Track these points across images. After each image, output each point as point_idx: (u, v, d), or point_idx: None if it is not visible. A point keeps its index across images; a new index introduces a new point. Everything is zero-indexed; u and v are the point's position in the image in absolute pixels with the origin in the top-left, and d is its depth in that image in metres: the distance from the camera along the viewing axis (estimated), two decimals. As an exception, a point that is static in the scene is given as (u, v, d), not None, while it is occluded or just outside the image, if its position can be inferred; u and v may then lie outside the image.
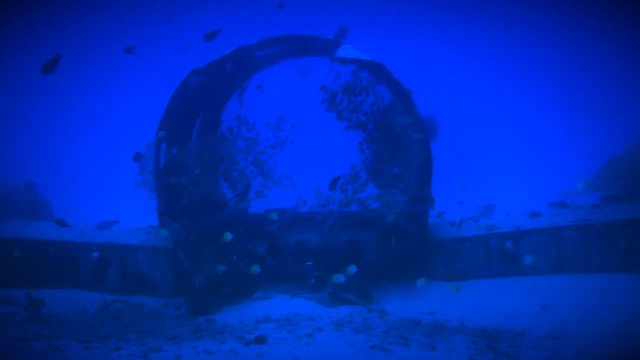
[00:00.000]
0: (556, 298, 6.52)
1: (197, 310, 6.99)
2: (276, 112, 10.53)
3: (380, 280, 7.81)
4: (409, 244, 7.81)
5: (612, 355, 4.35)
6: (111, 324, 6.59)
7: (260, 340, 4.55)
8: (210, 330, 5.81)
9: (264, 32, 8.92)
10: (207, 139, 9.15)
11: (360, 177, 7.99)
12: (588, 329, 5.17)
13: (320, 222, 8.55)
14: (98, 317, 7.23)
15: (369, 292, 7.24)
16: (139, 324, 6.62)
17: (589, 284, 6.90)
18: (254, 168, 9.28)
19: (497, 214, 10.43)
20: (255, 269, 7.32)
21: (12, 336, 5.04)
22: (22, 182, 12.82)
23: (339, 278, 6.73)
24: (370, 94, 7.81)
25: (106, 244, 8.46)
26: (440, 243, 8.12)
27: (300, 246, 8.19)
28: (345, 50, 7.44)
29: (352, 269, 6.99)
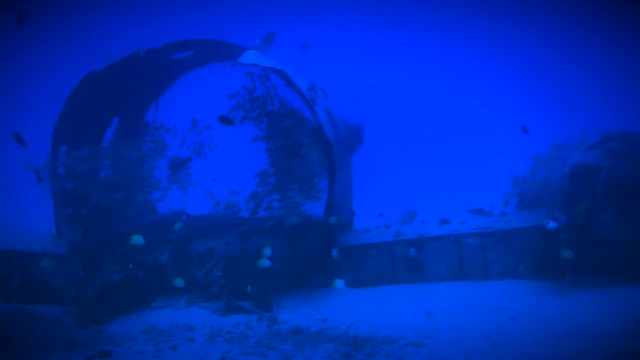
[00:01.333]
0: (445, 305, 6.62)
1: (88, 320, 6.83)
2: (201, 115, 10.44)
3: (288, 288, 7.81)
4: (314, 250, 7.84)
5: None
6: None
7: (103, 354, 4.45)
8: (87, 342, 5.67)
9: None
10: (115, 144, 9.00)
11: (268, 183, 7.96)
12: (453, 335, 5.25)
13: (234, 228, 8.50)
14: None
15: (269, 300, 7.21)
16: (25, 334, 6.42)
17: (483, 291, 7.03)
18: (169, 172, 9.19)
19: (417, 220, 10.61)
20: (179, 282, 7.25)
21: None
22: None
23: (264, 262, 6.87)
24: (275, 100, 7.81)
25: (7, 251, 8.18)
26: (348, 249, 8.14)
27: (208, 253, 8.09)
28: (248, 57, 7.41)
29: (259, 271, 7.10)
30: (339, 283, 7.09)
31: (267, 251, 7.31)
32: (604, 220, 5.73)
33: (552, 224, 6.38)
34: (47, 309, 7.92)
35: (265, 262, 7.26)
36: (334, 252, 7.75)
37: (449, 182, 25.11)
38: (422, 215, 10.93)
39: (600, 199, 5.77)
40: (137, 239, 7.35)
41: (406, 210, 10.84)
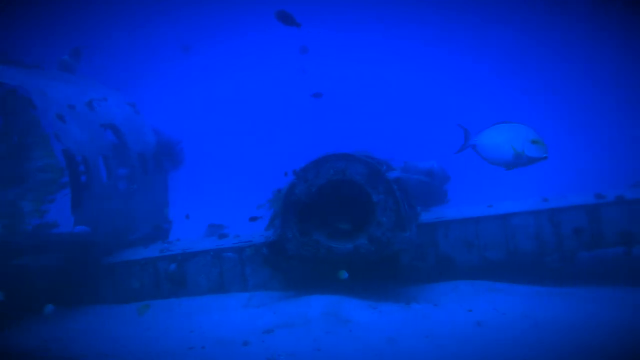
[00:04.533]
0: (172, 321, 6.77)
1: None
2: None
3: (45, 306, 7.63)
4: (76, 267, 7.78)
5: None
6: None
7: None
8: None
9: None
10: None
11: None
12: (132, 350, 5.40)
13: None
14: None
15: (9, 321, 7.00)
16: None
17: (217, 303, 7.29)
18: None
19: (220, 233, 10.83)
20: None
21: None
22: None
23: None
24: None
25: None
26: (111, 267, 8.12)
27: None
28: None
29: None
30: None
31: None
32: (287, 237, 6.19)
33: (272, 238, 6.79)
34: None
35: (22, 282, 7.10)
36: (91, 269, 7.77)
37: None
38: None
39: (283, 217, 6.24)
40: None
41: (210, 223, 11.02)
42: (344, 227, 6.49)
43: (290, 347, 4.46)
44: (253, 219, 7.75)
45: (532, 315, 4.91)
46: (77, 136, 7.70)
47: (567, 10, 33.13)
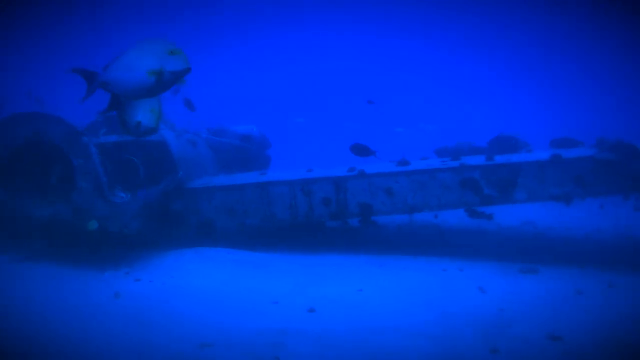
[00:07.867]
0: None
1: None
2: None
3: None
4: None
5: None
6: None
7: None
8: None
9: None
10: None
11: None
12: None
13: None
14: None
15: None
16: None
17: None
18: None
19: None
20: None
21: None
22: None
23: None
24: None
25: None
26: None
27: None
28: None
29: None
30: None
31: None
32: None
33: None
34: None
35: None
36: None
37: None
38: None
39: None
40: None
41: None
42: None
43: None
44: None
45: (186, 285, 4.97)
46: None
47: (567, 10, 33.35)
